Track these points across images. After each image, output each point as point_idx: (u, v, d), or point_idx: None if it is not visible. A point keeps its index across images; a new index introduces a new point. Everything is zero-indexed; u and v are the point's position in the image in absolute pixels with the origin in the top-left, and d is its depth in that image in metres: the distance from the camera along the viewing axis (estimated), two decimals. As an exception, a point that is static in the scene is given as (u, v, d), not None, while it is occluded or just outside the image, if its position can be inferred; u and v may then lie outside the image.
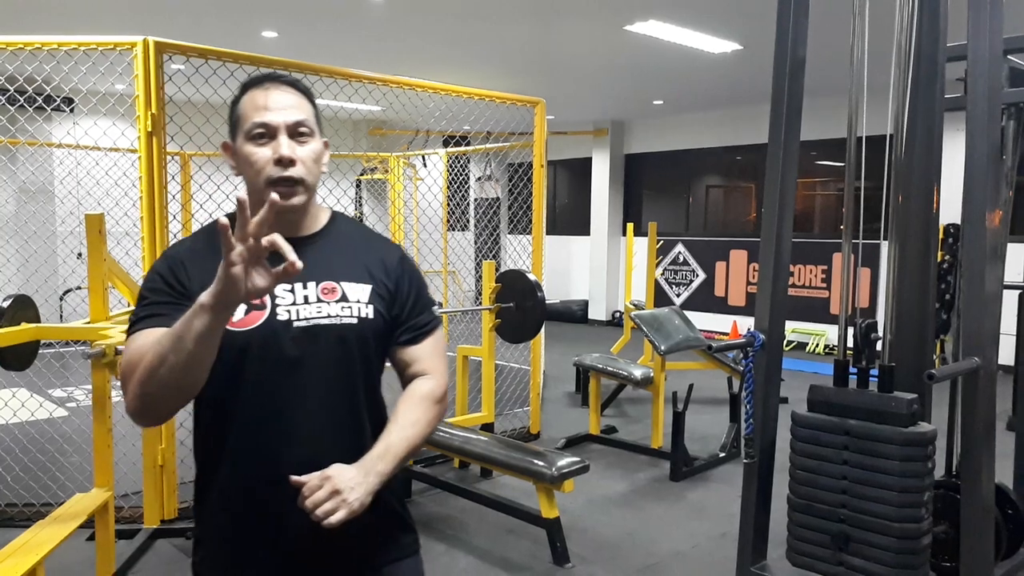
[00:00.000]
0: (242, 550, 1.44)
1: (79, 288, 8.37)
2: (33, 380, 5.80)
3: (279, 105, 1.40)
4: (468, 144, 9.17)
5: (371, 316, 1.45)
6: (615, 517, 4.12)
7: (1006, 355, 3.13)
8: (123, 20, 5.98)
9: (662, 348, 4.98)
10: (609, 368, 5.57)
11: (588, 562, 3.53)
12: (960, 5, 2.56)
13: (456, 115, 5.48)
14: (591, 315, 11.94)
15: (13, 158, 8.35)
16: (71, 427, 5.18)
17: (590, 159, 11.84)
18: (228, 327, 1.28)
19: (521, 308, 4.85)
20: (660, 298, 9.65)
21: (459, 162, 11.96)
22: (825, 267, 9.37)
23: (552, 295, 4.43)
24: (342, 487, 1.28)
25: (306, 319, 1.40)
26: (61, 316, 8.64)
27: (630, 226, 7.99)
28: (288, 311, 1.39)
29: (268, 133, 1.39)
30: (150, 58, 3.46)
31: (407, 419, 1.44)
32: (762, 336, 2.61)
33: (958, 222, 2.98)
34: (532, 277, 4.86)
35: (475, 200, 12.60)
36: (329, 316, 1.41)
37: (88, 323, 3.03)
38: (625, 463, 5.02)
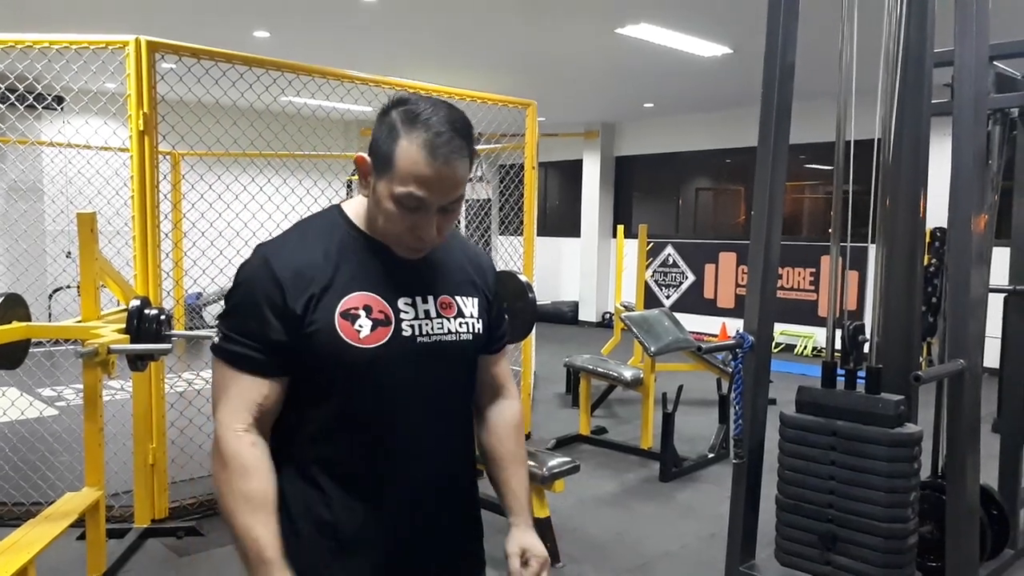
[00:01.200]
0: (346, 546, 1.35)
1: (68, 287, 8.33)
2: (23, 379, 5.77)
3: (447, 184, 1.24)
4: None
5: (481, 331, 1.42)
6: (605, 517, 4.14)
7: (992, 358, 3.16)
8: (114, 19, 5.96)
9: (652, 350, 5.01)
10: (600, 369, 5.59)
11: (578, 562, 3.55)
12: (947, 11, 2.60)
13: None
14: (581, 316, 11.97)
15: (3, 156, 8.30)
16: (61, 426, 5.15)
17: (581, 161, 11.87)
18: (354, 343, 1.28)
19: (512, 309, 4.86)
20: (650, 300, 9.69)
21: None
22: (813, 270, 9.43)
23: (542, 296, 4.46)
24: (544, 557, 1.43)
25: (428, 335, 1.35)
26: (50, 315, 8.60)
27: (620, 228, 8.02)
28: (411, 326, 1.34)
29: (420, 207, 1.25)
30: (142, 57, 3.46)
31: (521, 457, 1.53)
32: (751, 337, 2.64)
33: (944, 226, 3.03)
34: (523, 278, 4.87)
35: (466, 201, 12.60)
36: (450, 332, 1.37)
37: (80, 322, 3.02)
38: (615, 464, 5.04)
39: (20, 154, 8.29)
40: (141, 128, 3.45)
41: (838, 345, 2.54)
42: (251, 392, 1.29)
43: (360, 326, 1.29)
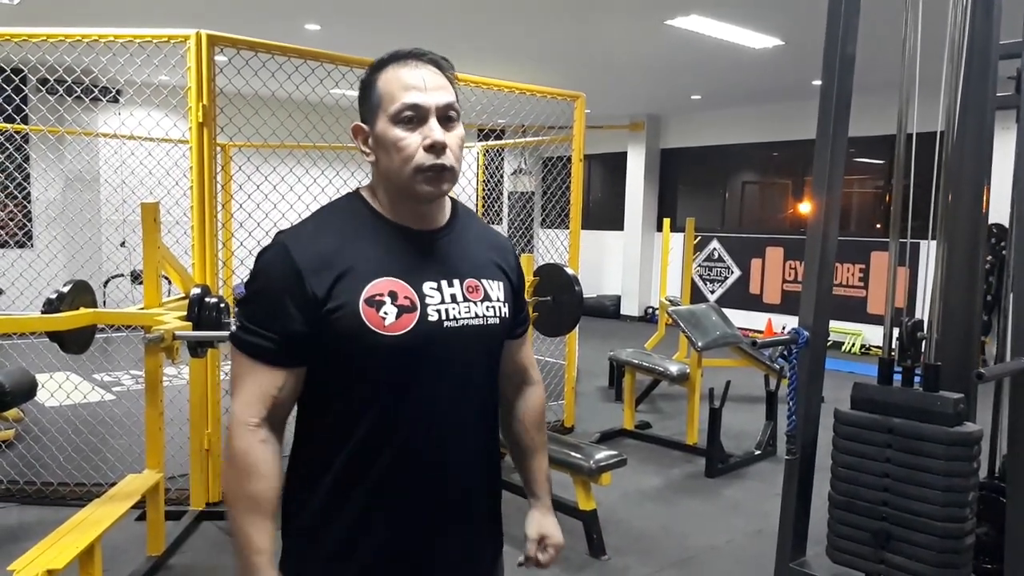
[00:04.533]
0: (379, 536, 1.34)
1: (121, 276, 8.56)
2: (83, 364, 5.98)
3: (430, 85, 1.29)
4: (502, 138, 9.20)
5: (507, 316, 1.41)
6: (650, 511, 4.14)
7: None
8: (166, 13, 6.09)
9: (699, 344, 4.97)
10: (645, 363, 5.58)
11: (624, 554, 3.56)
12: (1013, 2, 2.54)
13: (493, 109, 5.51)
14: (623, 311, 11.92)
15: (63, 149, 8.55)
16: (120, 410, 5.32)
17: (625, 153, 11.80)
18: (379, 330, 1.25)
19: (558, 302, 4.88)
20: (694, 295, 9.61)
21: (494, 156, 12.00)
22: (863, 266, 9.26)
23: (585, 290, 4.46)
24: (560, 543, 1.54)
25: (455, 319, 1.32)
26: (104, 303, 8.86)
27: (666, 221, 7.96)
28: (438, 311, 1.31)
29: (418, 116, 1.27)
30: (203, 50, 3.54)
31: (543, 443, 1.59)
32: (806, 333, 2.61)
33: (1001, 222, 2.95)
34: (570, 271, 4.89)
35: (508, 194, 12.63)
36: (477, 316, 1.35)
37: (142, 309, 3.12)
38: (659, 459, 5.03)
39: (79, 147, 8.54)
40: (200, 120, 3.54)
41: (894, 342, 2.50)
42: (266, 383, 1.28)
43: (385, 313, 1.26)
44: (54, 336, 2.89)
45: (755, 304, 10.43)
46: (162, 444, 3.28)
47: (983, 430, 2.33)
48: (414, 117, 1.27)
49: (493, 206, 11.74)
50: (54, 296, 2.88)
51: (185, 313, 2.93)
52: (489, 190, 10.42)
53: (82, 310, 2.86)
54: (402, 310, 1.28)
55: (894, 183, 2.59)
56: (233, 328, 1.30)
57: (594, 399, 6.54)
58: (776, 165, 10.86)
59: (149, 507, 3.29)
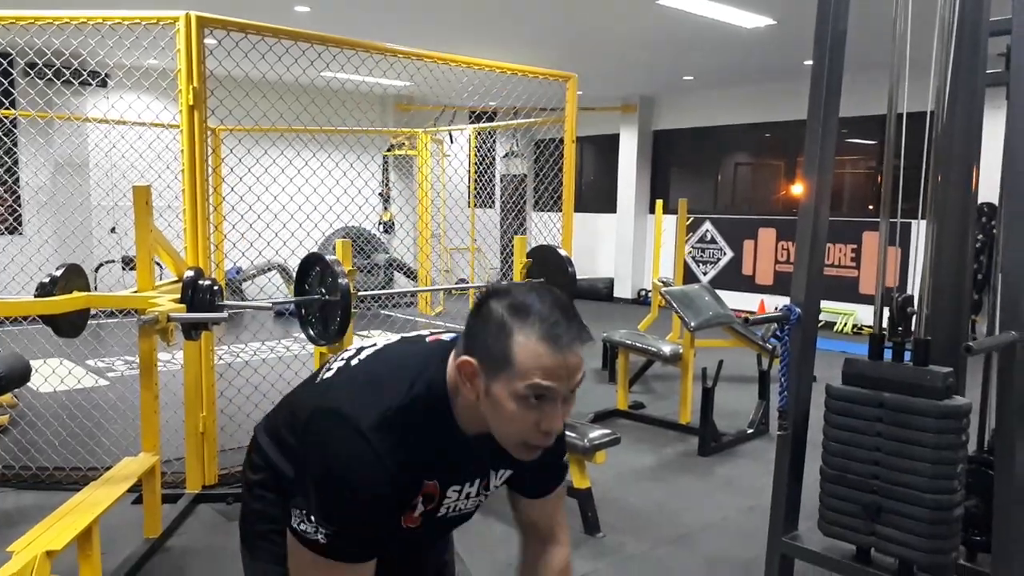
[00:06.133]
0: None
1: (112, 262, 8.53)
2: (78, 350, 5.97)
3: (573, 370, 1.18)
4: (494, 120, 9.18)
5: (499, 486, 1.46)
6: (644, 489, 4.18)
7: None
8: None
9: (692, 324, 5.00)
10: (638, 344, 5.61)
11: (619, 532, 3.60)
12: (1005, -22, 2.54)
13: (484, 91, 5.49)
14: (616, 293, 11.95)
15: (51, 134, 8.48)
16: (114, 395, 5.32)
17: (617, 135, 11.79)
18: (401, 524, 1.32)
19: (551, 283, 4.88)
20: (687, 276, 9.63)
21: (486, 139, 11.97)
22: (855, 246, 9.30)
23: (578, 273, 4.47)
24: None
25: (457, 510, 1.40)
26: (95, 289, 8.82)
27: (659, 203, 7.97)
28: (447, 507, 1.37)
29: (548, 397, 1.18)
30: (192, 32, 3.52)
31: None
32: (798, 310, 2.63)
33: (992, 201, 2.97)
34: (563, 252, 4.89)
35: (501, 177, 12.60)
36: (472, 505, 1.43)
37: (136, 292, 3.12)
38: (653, 438, 5.07)
39: (68, 131, 8.47)
40: (191, 103, 3.52)
41: (884, 320, 2.52)
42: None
43: (414, 515, 1.33)
44: (48, 320, 2.89)
45: (748, 285, 10.48)
46: (157, 427, 3.29)
47: (972, 403, 2.36)
48: (542, 400, 1.18)
49: (485, 189, 11.71)
50: (47, 280, 2.88)
51: (179, 296, 2.93)
52: (481, 172, 10.40)
53: (76, 294, 2.85)
54: (424, 512, 1.34)
55: (884, 163, 2.60)
56: (312, 535, 1.23)
57: (588, 380, 6.51)
58: (768, 146, 10.87)
59: (145, 490, 3.30)
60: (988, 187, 2.82)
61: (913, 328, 2.53)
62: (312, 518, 1.22)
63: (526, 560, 1.53)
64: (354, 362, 1.38)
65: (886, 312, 2.54)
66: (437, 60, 4.51)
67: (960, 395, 2.49)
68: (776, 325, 2.72)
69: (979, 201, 3.34)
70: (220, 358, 4.58)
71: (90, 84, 4.47)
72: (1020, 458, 2.36)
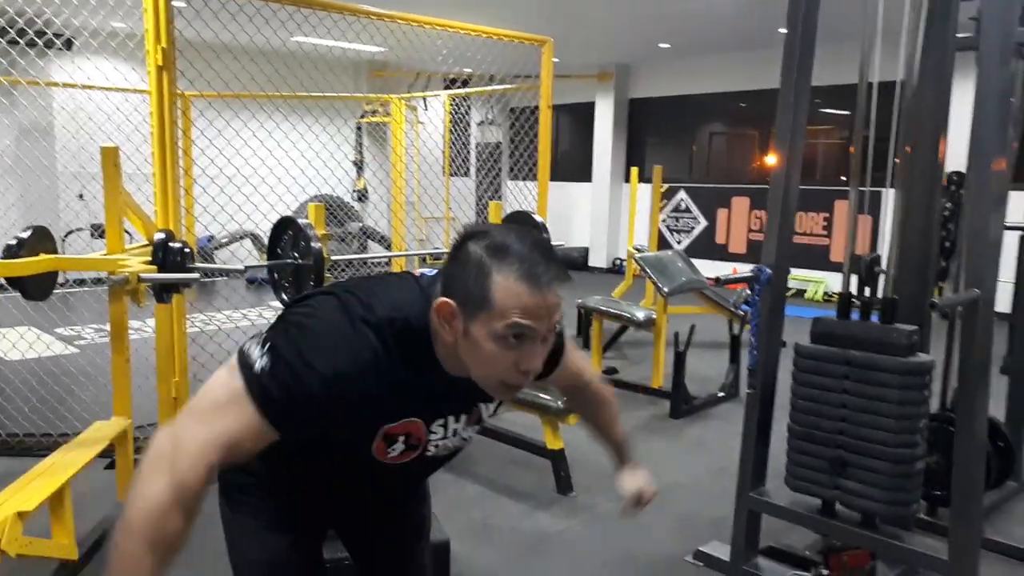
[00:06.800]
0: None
1: (81, 229, 8.37)
2: (47, 316, 5.88)
3: (552, 310, 1.18)
4: (469, 87, 9.10)
5: (489, 418, 1.49)
6: (617, 451, 4.24)
7: (1003, 304, 3.18)
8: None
9: (665, 290, 5.05)
10: (612, 310, 5.65)
11: (591, 491, 3.65)
12: (975, -59, 2.56)
13: (459, 56, 5.44)
14: (591, 262, 12.00)
15: (14, 99, 8.27)
16: (84, 361, 5.27)
17: (593, 104, 11.75)
18: (380, 459, 1.32)
19: (526, 249, 4.89)
20: (662, 245, 9.69)
21: (461, 106, 11.88)
22: (827, 215, 9.40)
23: (553, 242, 4.47)
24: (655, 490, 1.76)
25: (445, 447, 1.41)
26: (64, 257, 8.67)
27: (634, 170, 7.99)
28: (436, 446, 1.39)
29: (526, 337, 1.17)
30: (158, -9, 3.43)
31: (616, 417, 1.77)
32: (768, 270, 2.67)
33: (961, 170, 3.02)
34: (538, 218, 4.89)
35: (476, 145, 12.53)
36: (462, 441, 1.44)
37: (106, 255, 3.08)
38: (626, 402, 5.13)
39: (31, 96, 8.25)
40: (160, 63, 3.45)
41: (853, 286, 2.57)
42: (250, 443, 1.17)
43: (393, 448, 1.33)
44: (14, 282, 2.84)
45: (721, 254, 10.57)
46: (129, 390, 3.27)
47: (935, 360, 2.42)
48: (521, 339, 1.17)
49: (460, 157, 11.64)
50: (13, 242, 2.83)
51: (149, 259, 2.89)
52: (456, 140, 10.32)
53: (43, 256, 2.81)
54: (408, 448, 1.34)
55: (855, 131, 2.63)
56: (256, 364, 1.16)
57: (562, 347, 6.62)
58: (743, 115, 10.90)
59: (118, 454, 3.29)
60: (959, 156, 2.85)
61: (880, 291, 2.58)
62: (266, 344, 1.18)
63: (576, 407, 1.77)
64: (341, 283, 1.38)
65: (854, 279, 2.58)
66: (412, 22, 4.45)
67: (925, 353, 2.55)
68: (748, 292, 2.76)
69: (950, 170, 3.40)
70: (193, 324, 4.54)
71: (55, 43, 4.34)
72: (980, 414, 2.43)
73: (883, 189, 2.75)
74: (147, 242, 3.39)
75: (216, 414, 1.16)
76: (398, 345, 1.20)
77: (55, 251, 3.06)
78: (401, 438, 1.31)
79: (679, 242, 11.10)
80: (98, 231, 7.91)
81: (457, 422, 1.38)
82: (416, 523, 1.69)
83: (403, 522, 1.66)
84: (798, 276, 9.48)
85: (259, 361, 1.16)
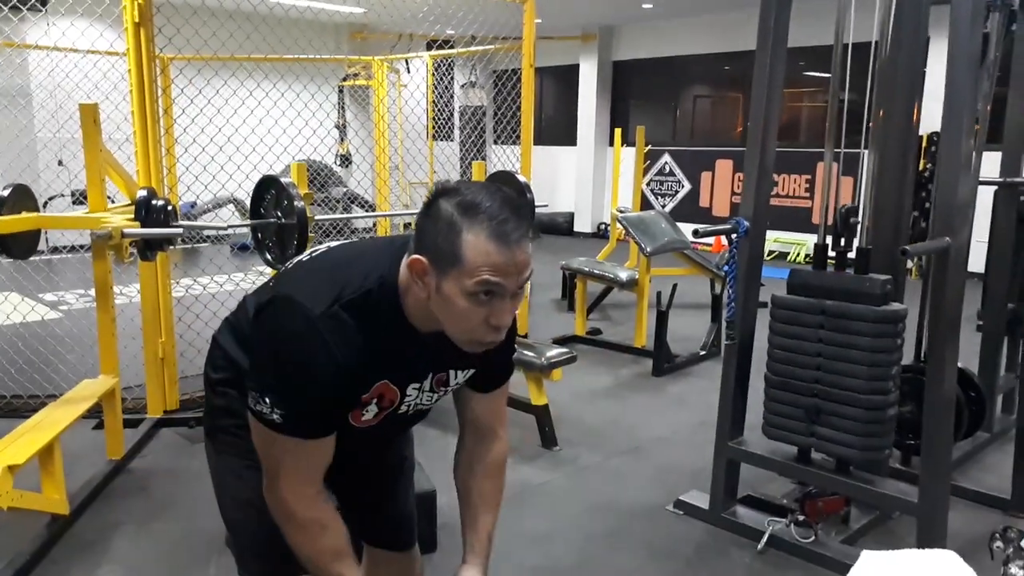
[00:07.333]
0: None
1: (61, 195, 8.28)
2: (31, 278, 5.86)
3: (521, 267, 1.20)
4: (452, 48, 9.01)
5: (459, 383, 1.49)
6: (600, 407, 4.32)
7: (977, 263, 3.22)
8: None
9: (648, 249, 5.09)
10: (596, 271, 5.70)
11: (575, 445, 3.73)
12: None
13: (441, 17, 5.40)
14: (576, 227, 12.01)
15: (-13, 60, 8.12)
16: (69, 324, 5.27)
17: (577, 66, 11.67)
18: (354, 423, 1.36)
19: (510, 210, 4.90)
20: (646, 208, 9.74)
21: (443, 69, 11.77)
22: (808, 177, 9.44)
23: (537, 207, 4.48)
24: None
25: (415, 407, 1.45)
26: (45, 224, 8.59)
27: (618, 132, 7.98)
28: (407, 406, 1.42)
29: (497, 294, 1.20)
30: (134, -54, 3.38)
31: (496, 500, 1.57)
32: (746, 223, 2.71)
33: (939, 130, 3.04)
34: (522, 178, 4.89)
35: (460, 108, 12.44)
36: (430, 401, 1.47)
37: (88, 213, 3.08)
38: (609, 361, 5.20)
39: (5, 58, 8.10)
40: (137, 20, 3.41)
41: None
42: (318, 455, 1.34)
43: (367, 411, 1.37)
44: (-4, 241, 2.84)
45: (705, 217, 10.60)
46: (115, 348, 3.29)
47: (908, 308, 2.48)
48: (491, 296, 1.20)
49: (444, 120, 11.56)
50: (-6, 201, 2.82)
51: (132, 216, 2.90)
52: (439, 104, 10.24)
53: (24, 214, 2.80)
54: (381, 410, 1.38)
55: (831, 92, 2.65)
56: (267, 414, 1.28)
57: (547, 309, 6.67)
58: (728, 78, 10.87)
59: (106, 412, 3.31)
60: (936, 117, 2.88)
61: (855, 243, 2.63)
62: (266, 399, 1.27)
63: (464, 452, 1.57)
64: (307, 258, 1.41)
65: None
66: (391, -20, 4.42)
67: (898, 303, 2.61)
68: (729, 254, 2.80)
69: (929, 131, 3.42)
70: (178, 285, 4.55)
71: (20, 9, 4.26)
72: (950, 364, 2.50)
73: (863, 151, 2.78)
74: (130, 202, 3.38)
75: (288, 460, 1.32)
76: (371, 314, 1.26)
77: (36, 210, 3.06)
78: (374, 404, 1.36)
79: (663, 206, 11.13)
80: (79, 195, 7.84)
81: (427, 383, 1.42)
82: (396, 462, 1.73)
83: (382, 461, 1.70)
84: (780, 239, 9.55)
85: (273, 414, 1.28)
